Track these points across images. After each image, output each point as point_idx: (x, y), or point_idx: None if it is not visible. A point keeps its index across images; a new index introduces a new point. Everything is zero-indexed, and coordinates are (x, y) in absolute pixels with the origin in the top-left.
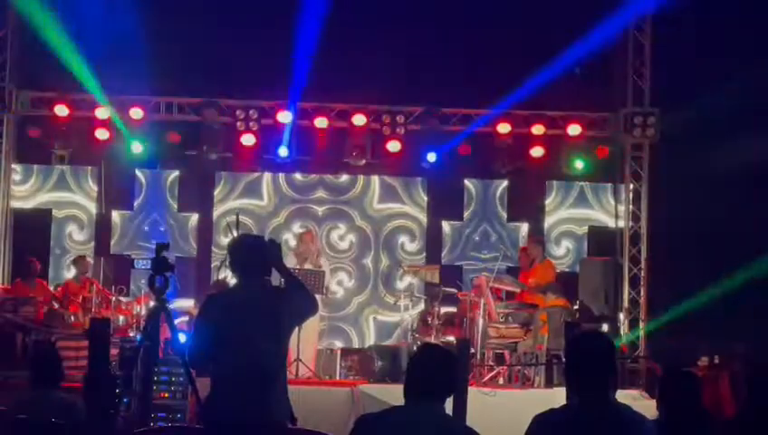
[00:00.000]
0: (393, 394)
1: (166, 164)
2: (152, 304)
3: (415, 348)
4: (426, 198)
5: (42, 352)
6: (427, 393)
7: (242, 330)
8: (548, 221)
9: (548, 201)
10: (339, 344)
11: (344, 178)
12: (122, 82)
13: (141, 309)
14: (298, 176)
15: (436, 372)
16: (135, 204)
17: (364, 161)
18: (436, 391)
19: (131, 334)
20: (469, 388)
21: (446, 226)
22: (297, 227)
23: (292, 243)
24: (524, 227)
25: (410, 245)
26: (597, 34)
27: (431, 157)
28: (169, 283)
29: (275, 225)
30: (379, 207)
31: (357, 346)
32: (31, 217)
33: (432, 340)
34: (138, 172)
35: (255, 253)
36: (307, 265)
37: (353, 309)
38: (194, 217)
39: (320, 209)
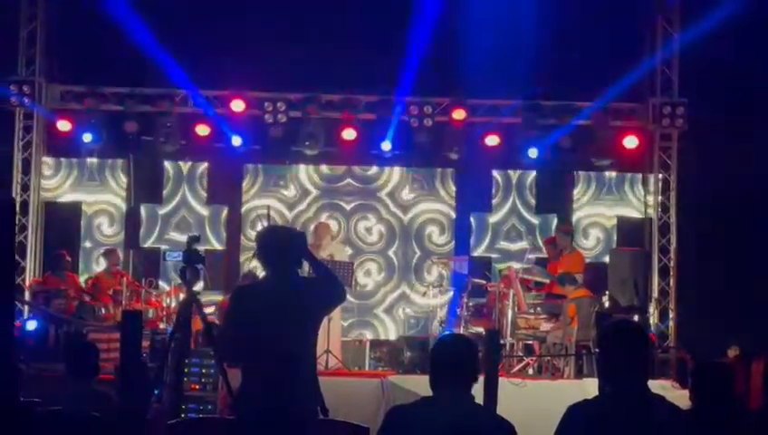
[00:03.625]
0: (422, 385)
1: (194, 156)
2: (183, 296)
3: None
4: (454, 190)
5: (78, 344)
6: (453, 382)
7: (272, 321)
8: (577, 212)
9: (576, 192)
10: (368, 336)
11: (373, 170)
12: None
13: (171, 301)
14: (327, 167)
15: (458, 360)
16: (163, 196)
17: (391, 153)
18: (461, 379)
19: (162, 326)
20: (500, 378)
21: (476, 218)
22: (325, 219)
23: None
24: (553, 218)
25: (439, 236)
26: (624, 23)
27: (457, 148)
28: (200, 275)
29: (305, 218)
30: (407, 198)
31: (385, 337)
32: (61, 210)
33: (461, 330)
34: (166, 164)
35: (284, 244)
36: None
37: (382, 300)
38: (223, 210)
39: (347, 201)
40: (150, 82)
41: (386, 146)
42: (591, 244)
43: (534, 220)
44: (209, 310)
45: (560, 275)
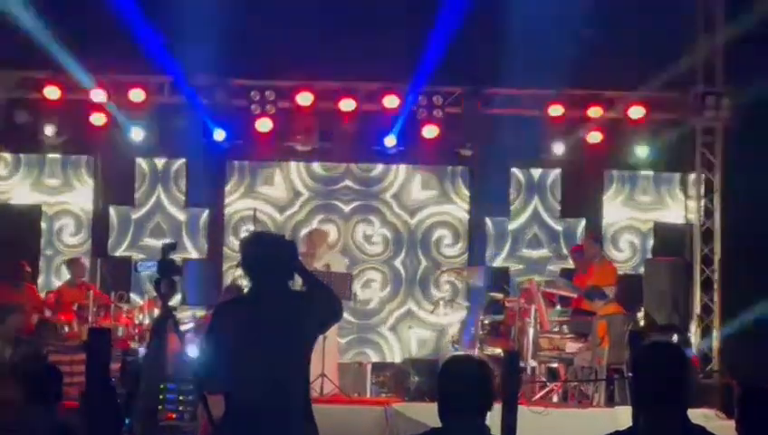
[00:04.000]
0: (431, 414)
1: (170, 152)
2: (158, 311)
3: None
4: (467, 191)
5: (38, 367)
6: (464, 411)
7: (259, 342)
8: (607, 216)
9: (607, 194)
10: (369, 357)
11: (375, 168)
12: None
13: (145, 318)
14: (321, 165)
15: (470, 385)
16: (136, 197)
17: (395, 149)
18: (473, 408)
19: (133, 346)
20: (519, 407)
21: (490, 222)
22: (320, 224)
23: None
24: (581, 223)
25: (450, 244)
26: (662, 3)
27: (467, 150)
28: (177, 288)
29: (296, 222)
30: (414, 200)
31: (390, 360)
32: (19, 213)
33: (476, 352)
34: (138, 161)
35: (273, 253)
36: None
37: (385, 317)
38: (204, 213)
39: (346, 204)
40: (122, 66)
41: (390, 141)
42: (624, 253)
43: (559, 226)
44: (188, 327)
45: (588, 288)
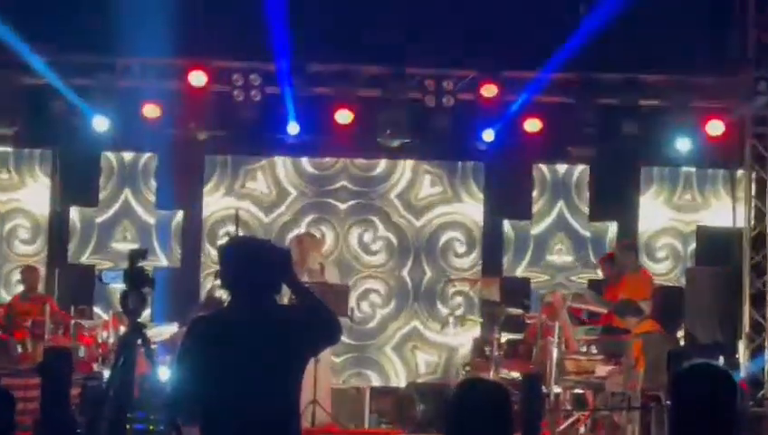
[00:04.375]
0: None
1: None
2: (124, 329)
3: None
4: (482, 190)
5: None
6: None
7: (241, 365)
8: (643, 219)
9: (643, 193)
10: (368, 382)
11: (375, 163)
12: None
13: (110, 336)
14: (313, 161)
15: (485, 415)
16: (100, 197)
17: (401, 142)
18: None
19: (96, 369)
20: None
21: (508, 225)
22: (312, 228)
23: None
24: (612, 227)
25: (462, 251)
26: None
27: (488, 135)
28: (147, 301)
29: (283, 225)
30: (420, 201)
31: (392, 384)
32: None
33: (491, 375)
34: (104, 156)
35: (258, 261)
36: (304, 278)
37: (387, 336)
38: (177, 216)
39: (342, 205)
40: (83, 46)
41: (292, 129)
42: (662, 261)
43: (587, 230)
44: (159, 347)
45: (620, 302)
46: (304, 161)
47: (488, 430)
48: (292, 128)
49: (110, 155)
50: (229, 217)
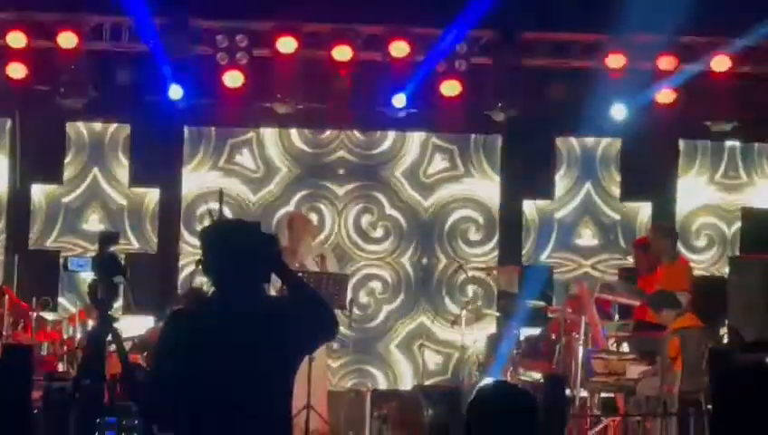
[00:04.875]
0: None
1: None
2: (93, 323)
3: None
4: (499, 166)
5: None
6: None
7: (225, 364)
8: (681, 200)
9: (681, 171)
10: (369, 384)
11: (376, 136)
12: None
13: (76, 331)
14: (307, 133)
15: (511, 427)
16: (66, 174)
17: (406, 112)
18: None
19: (62, 369)
20: None
21: (528, 207)
22: (303, 207)
23: None
24: (646, 209)
25: (476, 235)
26: None
27: (504, 107)
28: (119, 292)
29: (274, 204)
30: (429, 179)
31: (396, 387)
32: None
33: (508, 377)
34: (69, 127)
35: (244, 248)
36: (296, 266)
37: (390, 332)
38: (153, 195)
39: (340, 185)
40: (47, 3)
41: (399, 101)
42: (703, 248)
43: (617, 212)
44: (133, 344)
45: (656, 294)
46: (297, 134)
47: None
48: (281, 96)
49: (78, 125)
50: (212, 196)
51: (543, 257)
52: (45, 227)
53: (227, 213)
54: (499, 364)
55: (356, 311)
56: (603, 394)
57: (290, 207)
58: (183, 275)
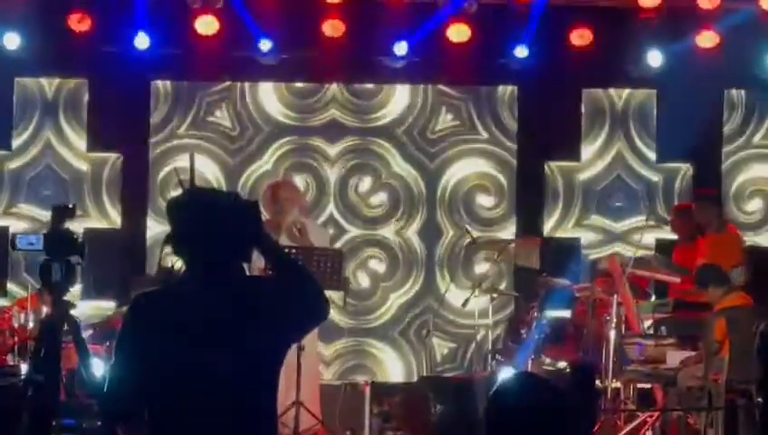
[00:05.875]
0: None
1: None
2: (47, 309)
3: (498, 381)
4: (515, 122)
5: None
6: None
7: (200, 353)
8: (728, 160)
9: (727, 126)
10: (368, 376)
11: (374, 89)
12: None
13: (29, 319)
14: (294, 87)
15: (540, 427)
16: (14, 138)
17: (408, 61)
18: None
19: (12, 362)
20: None
21: (551, 169)
22: (289, 173)
23: None
24: (686, 171)
25: (489, 203)
26: None
27: (521, 51)
28: (76, 273)
29: (258, 172)
30: (435, 137)
31: (399, 379)
32: None
33: (529, 366)
34: (19, 83)
35: (220, 220)
36: (283, 240)
37: (392, 315)
38: (115, 161)
39: (331, 145)
40: None
41: (400, 49)
42: (754, 215)
43: (654, 175)
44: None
45: (700, 269)
46: (281, 88)
47: None
48: (264, 44)
49: (27, 82)
50: (183, 161)
51: (568, 228)
52: None
53: (200, 181)
54: (523, 353)
55: (352, 284)
56: (639, 385)
57: (274, 173)
58: (150, 253)
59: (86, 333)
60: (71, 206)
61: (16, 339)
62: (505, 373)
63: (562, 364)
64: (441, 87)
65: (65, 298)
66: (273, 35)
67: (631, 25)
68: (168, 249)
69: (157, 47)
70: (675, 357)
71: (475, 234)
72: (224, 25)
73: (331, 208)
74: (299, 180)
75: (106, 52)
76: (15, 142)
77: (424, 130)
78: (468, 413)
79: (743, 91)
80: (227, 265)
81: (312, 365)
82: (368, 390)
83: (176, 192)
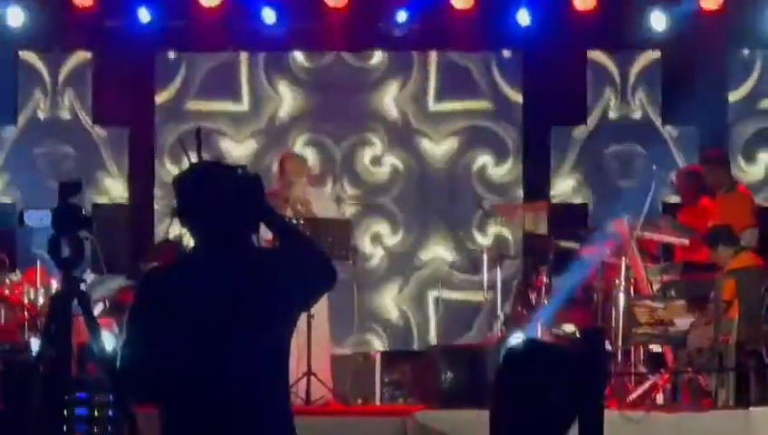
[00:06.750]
0: (470, 426)
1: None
2: (57, 285)
3: (507, 347)
4: (521, 88)
5: None
6: (536, 430)
7: (210, 326)
8: (733, 121)
9: (732, 87)
10: (378, 346)
11: (379, 58)
12: None
13: (38, 295)
14: (298, 56)
15: (542, 389)
16: (19, 112)
17: (409, 28)
18: (551, 424)
19: (22, 339)
20: (606, 410)
21: (557, 134)
22: (298, 147)
23: None
24: (692, 133)
25: (497, 169)
26: None
27: (523, 17)
28: (85, 249)
29: (260, 140)
30: (439, 106)
31: (409, 347)
32: None
33: (538, 332)
34: (22, 57)
35: (228, 193)
36: (288, 213)
37: (401, 285)
38: (122, 136)
39: (335, 114)
40: None
41: (402, 16)
42: (761, 175)
43: (659, 137)
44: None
45: (711, 230)
46: (286, 58)
47: (550, 409)
48: (268, 14)
49: (31, 56)
50: (189, 135)
51: (575, 192)
52: None
53: (206, 154)
54: (538, 320)
55: (360, 253)
56: (649, 347)
57: (280, 145)
58: (159, 227)
59: (97, 309)
60: (77, 181)
61: (27, 315)
62: (515, 339)
63: (571, 328)
64: (448, 53)
65: (74, 274)
66: (276, 5)
67: None
68: (176, 224)
69: (160, 20)
70: (684, 319)
71: (486, 203)
72: None
73: (339, 175)
74: (303, 149)
75: (109, 27)
76: (20, 117)
77: (427, 98)
78: (479, 380)
79: (747, 51)
80: (238, 236)
81: (323, 334)
82: (378, 358)
83: (183, 165)
